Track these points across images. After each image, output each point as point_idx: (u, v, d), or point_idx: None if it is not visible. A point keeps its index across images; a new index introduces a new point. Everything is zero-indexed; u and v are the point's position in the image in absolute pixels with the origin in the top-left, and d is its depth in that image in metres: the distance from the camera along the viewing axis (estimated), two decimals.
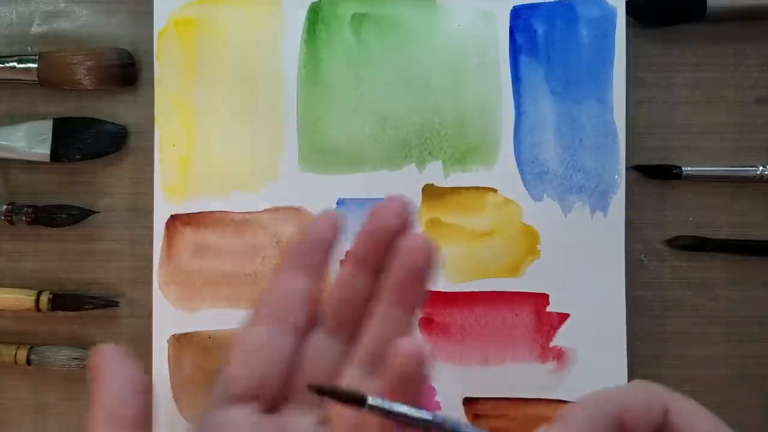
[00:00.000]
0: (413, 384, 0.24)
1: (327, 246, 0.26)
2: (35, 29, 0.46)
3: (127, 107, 0.46)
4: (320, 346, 0.26)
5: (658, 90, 0.45)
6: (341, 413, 0.25)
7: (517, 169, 0.44)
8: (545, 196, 0.44)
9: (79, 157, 0.45)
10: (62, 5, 0.46)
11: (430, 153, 0.44)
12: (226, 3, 0.45)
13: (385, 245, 0.25)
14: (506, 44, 0.44)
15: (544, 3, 0.45)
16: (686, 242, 0.45)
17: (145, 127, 0.45)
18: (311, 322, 0.26)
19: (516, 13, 0.45)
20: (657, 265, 0.45)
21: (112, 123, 0.45)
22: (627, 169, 0.44)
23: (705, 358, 0.45)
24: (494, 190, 0.44)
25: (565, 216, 0.44)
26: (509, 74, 0.44)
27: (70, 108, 0.46)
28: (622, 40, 0.44)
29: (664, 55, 0.45)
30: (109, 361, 0.23)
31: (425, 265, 0.25)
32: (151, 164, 0.44)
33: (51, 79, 0.44)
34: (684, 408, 0.22)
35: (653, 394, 0.22)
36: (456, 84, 0.45)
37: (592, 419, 0.21)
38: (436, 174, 0.44)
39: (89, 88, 0.45)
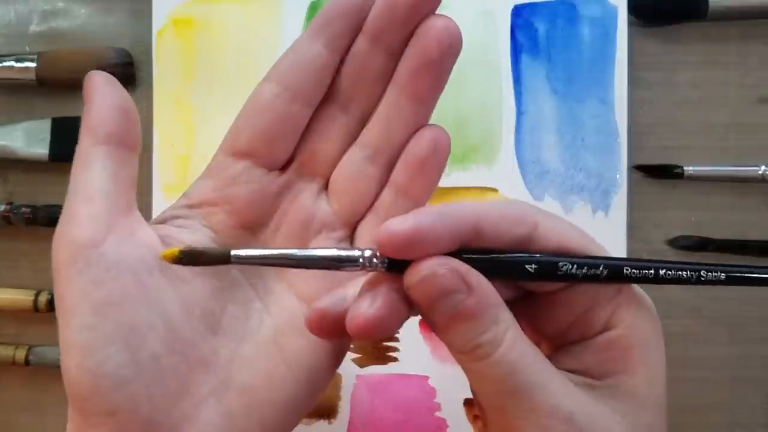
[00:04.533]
0: (431, 172, 0.24)
1: (349, 17, 0.24)
2: (34, 28, 0.46)
3: None
4: (330, 119, 0.25)
5: (660, 89, 0.45)
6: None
7: (518, 169, 0.44)
8: (546, 195, 0.44)
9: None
10: (61, 4, 0.46)
11: None
12: (225, 2, 0.45)
13: (405, 22, 0.23)
14: (507, 43, 0.44)
15: (545, 2, 0.44)
16: (688, 242, 0.45)
17: (144, 126, 0.44)
18: (324, 94, 0.25)
19: (517, 11, 0.44)
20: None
21: None
22: (629, 168, 0.44)
23: (707, 358, 0.45)
24: (495, 190, 0.44)
25: (567, 216, 0.44)
26: (510, 73, 0.44)
27: (68, 107, 0.45)
28: (624, 38, 0.44)
29: (666, 54, 0.45)
30: (96, 85, 0.24)
31: (442, 53, 0.23)
32: (150, 164, 0.44)
33: (49, 78, 0.44)
34: (553, 224, 0.22)
35: (523, 210, 0.22)
36: (457, 83, 0.44)
37: (445, 219, 0.20)
38: None
39: None
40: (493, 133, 0.44)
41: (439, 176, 0.25)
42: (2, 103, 0.46)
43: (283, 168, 0.26)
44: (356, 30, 0.24)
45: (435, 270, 0.20)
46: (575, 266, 0.21)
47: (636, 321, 0.22)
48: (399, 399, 0.44)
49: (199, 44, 0.45)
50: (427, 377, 0.44)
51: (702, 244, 0.45)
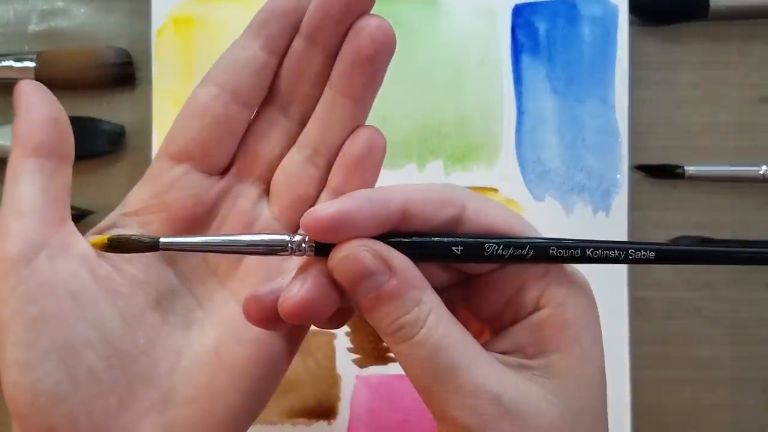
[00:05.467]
0: (367, 172, 0.24)
1: (285, 17, 0.24)
2: (33, 28, 0.46)
3: (124, 106, 0.45)
4: (270, 121, 0.25)
5: (661, 89, 0.45)
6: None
7: (518, 169, 0.44)
8: (547, 195, 0.44)
9: (75, 156, 0.44)
10: (60, 4, 0.46)
11: (431, 152, 0.44)
12: (225, 1, 0.45)
13: (339, 21, 0.23)
14: (508, 43, 0.44)
15: (546, 1, 0.44)
16: (689, 243, 0.45)
17: (143, 126, 0.45)
18: (263, 96, 0.25)
19: (517, 11, 0.44)
20: (659, 266, 0.45)
21: (110, 122, 0.45)
22: (629, 168, 0.44)
23: (708, 359, 0.45)
24: (495, 190, 0.44)
25: (567, 216, 0.44)
26: (511, 73, 0.44)
27: (67, 107, 0.44)
28: (625, 38, 0.44)
29: (666, 53, 0.45)
30: (25, 95, 0.23)
31: (375, 52, 0.23)
32: (149, 164, 0.44)
33: (48, 78, 0.44)
34: (481, 206, 0.22)
35: (450, 192, 0.22)
36: (457, 83, 0.44)
37: (371, 203, 0.21)
38: (437, 173, 0.44)
39: (87, 87, 0.45)
40: (493, 133, 0.44)
41: (374, 176, 0.25)
42: (1, 103, 0.46)
43: (224, 172, 0.25)
44: (293, 30, 0.24)
45: (355, 252, 0.20)
46: (501, 247, 0.21)
47: (566, 300, 0.22)
48: (399, 399, 0.44)
49: (199, 43, 0.44)
50: None
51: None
